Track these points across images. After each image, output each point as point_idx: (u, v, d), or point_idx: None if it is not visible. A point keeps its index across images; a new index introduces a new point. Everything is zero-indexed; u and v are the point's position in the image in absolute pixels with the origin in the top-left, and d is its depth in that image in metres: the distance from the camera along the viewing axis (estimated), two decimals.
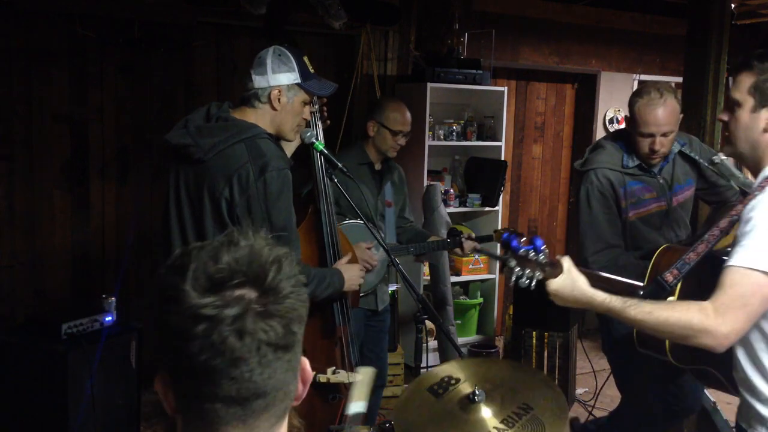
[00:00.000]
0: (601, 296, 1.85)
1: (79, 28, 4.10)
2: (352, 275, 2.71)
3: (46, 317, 3.53)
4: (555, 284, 1.88)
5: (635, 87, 6.24)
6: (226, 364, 0.86)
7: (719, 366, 1.93)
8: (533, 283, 1.89)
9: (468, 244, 3.57)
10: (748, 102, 1.86)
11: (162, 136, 2.44)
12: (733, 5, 3.49)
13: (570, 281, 1.88)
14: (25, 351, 3.35)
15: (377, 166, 3.58)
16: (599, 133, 6.06)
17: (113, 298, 3.58)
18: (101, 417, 3.40)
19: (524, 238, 1.95)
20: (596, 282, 1.95)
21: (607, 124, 6.15)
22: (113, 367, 3.47)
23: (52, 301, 4.20)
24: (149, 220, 4.36)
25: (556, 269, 1.89)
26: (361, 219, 2.86)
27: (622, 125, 6.22)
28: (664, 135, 2.82)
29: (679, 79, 4.02)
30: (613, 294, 1.86)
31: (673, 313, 1.74)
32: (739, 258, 1.72)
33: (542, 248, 1.90)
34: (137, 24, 4.25)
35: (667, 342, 1.97)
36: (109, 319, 3.52)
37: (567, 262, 1.90)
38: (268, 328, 0.87)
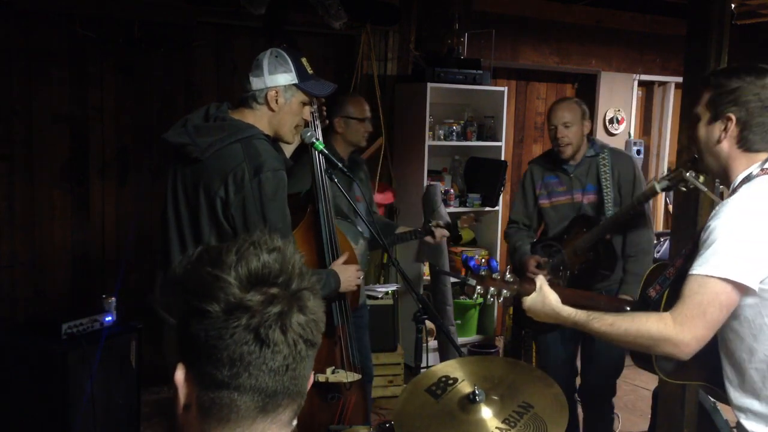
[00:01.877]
0: (567, 311, 1.97)
1: (79, 28, 4.10)
2: (348, 276, 2.69)
3: (46, 317, 3.53)
4: (528, 301, 2.04)
5: (635, 87, 6.26)
6: (268, 356, 0.91)
7: (715, 381, 1.94)
8: (500, 299, 2.08)
9: (439, 232, 3.59)
10: (705, 116, 1.92)
11: (160, 136, 2.45)
12: (733, 5, 3.48)
13: (541, 298, 2.01)
14: (25, 351, 3.35)
15: (345, 163, 3.56)
16: (599, 133, 6.06)
17: (113, 298, 3.58)
18: (101, 417, 3.40)
19: (483, 260, 2.15)
20: (585, 300, 2.05)
21: (607, 124, 6.15)
22: (113, 367, 3.47)
23: (52, 301, 4.20)
24: (149, 220, 4.36)
25: (529, 287, 2.03)
26: (362, 218, 2.85)
27: (623, 125, 6.23)
28: (565, 126, 3.41)
29: (679, 79, 4.03)
30: (596, 310, 1.95)
31: (633, 324, 1.80)
32: (697, 266, 1.75)
33: (496, 268, 2.07)
34: (137, 24, 4.25)
35: (653, 359, 2.01)
36: (109, 319, 3.52)
37: (540, 281, 2.04)
38: (306, 325, 0.94)
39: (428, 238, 3.62)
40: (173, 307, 0.98)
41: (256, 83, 2.42)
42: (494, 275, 2.07)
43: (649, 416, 3.90)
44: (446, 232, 3.63)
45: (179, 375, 0.95)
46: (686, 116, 3.37)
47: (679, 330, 1.72)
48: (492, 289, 2.06)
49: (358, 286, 2.81)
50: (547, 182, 3.59)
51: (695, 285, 1.74)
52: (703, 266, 1.74)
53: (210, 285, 0.91)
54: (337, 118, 3.50)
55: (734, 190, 1.86)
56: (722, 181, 1.97)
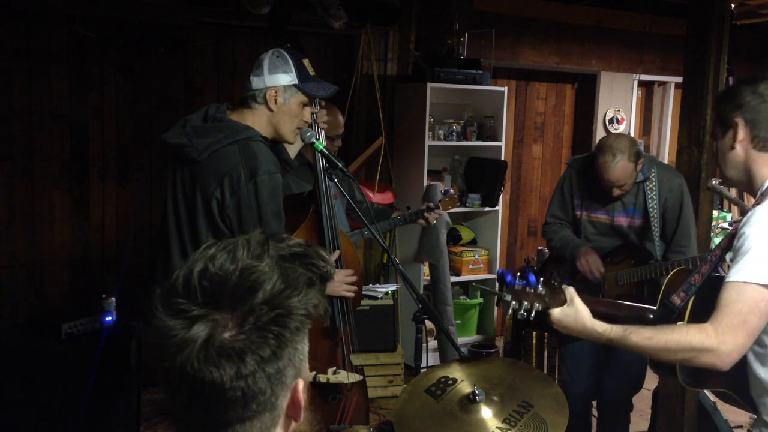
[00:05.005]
0: (601, 327, 1.87)
1: (79, 28, 4.10)
2: (336, 279, 2.65)
3: (46, 317, 3.54)
4: (558, 314, 1.93)
5: (635, 87, 6.25)
6: (185, 389, 0.85)
7: (735, 388, 1.93)
8: (533, 314, 1.94)
9: (432, 216, 3.54)
10: (717, 130, 1.95)
11: (160, 137, 2.45)
12: (733, 5, 3.48)
13: (573, 312, 1.91)
14: (25, 351, 3.35)
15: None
16: (599, 133, 6.06)
17: (113, 298, 3.58)
18: (101, 417, 3.40)
19: (518, 274, 2.01)
20: (605, 307, 1.97)
21: (607, 124, 6.15)
22: (113, 367, 3.47)
23: (52, 301, 4.20)
24: (149, 220, 4.36)
25: (558, 298, 1.94)
26: (365, 220, 2.85)
27: (623, 125, 6.23)
28: (620, 186, 3.22)
29: (679, 79, 4.02)
30: (621, 320, 1.89)
31: (673, 336, 1.75)
32: (734, 273, 1.72)
33: (535, 283, 1.97)
34: (137, 24, 4.25)
35: (677, 366, 1.98)
36: (109, 319, 3.52)
37: (570, 293, 1.94)
38: (229, 360, 0.84)
39: (420, 221, 3.59)
40: None
41: (256, 82, 2.42)
42: (528, 289, 1.96)
43: (649, 416, 3.90)
44: (440, 212, 3.60)
45: None
46: (686, 116, 3.38)
47: (721, 340, 1.68)
48: (525, 303, 1.95)
49: (354, 292, 2.75)
50: (587, 195, 3.42)
51: (734, 293, 1.70)
52: (740, 273, 1.71)
53: (150, 306, 0.87)
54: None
55: (763, 195, 1.84)
56: (747, 190, 1.95)
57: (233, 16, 4.37)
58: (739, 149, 1.88)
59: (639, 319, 1.99)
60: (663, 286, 2.23)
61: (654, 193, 3.29)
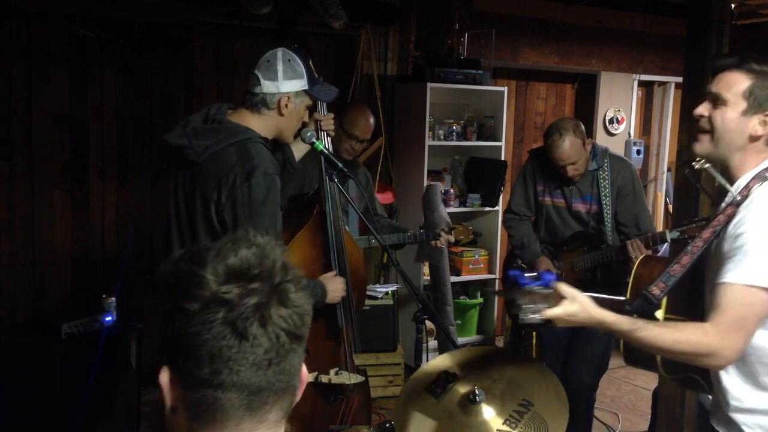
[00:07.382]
0: (610, 318, 1.79)
1: (79, 28, 4.10)
2: (335, 287, 2.67)
3: (46, 317, 3.53)
4: (567, 310, 1.78)
5: (635, 87, 6.25)
6: (247, 350, 0.88)
7: (702, 372, 1.94)
8: (540, 316, 1.79)
9: (444, 238, 3.58)
10: (739, 104, 1.79)
11: (161, 137, 2.45)
12: (733, 5, 3.48)
13: (582, 306, 1.79)
14: (25, 351, 3.35)
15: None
16: (599, 133, 6.06)
17: (113, 298, 3.58)
18: (101, 417, 3.40)
19: (534, 274, 1.80)
20: None
21: (607, 124, 6.15)
22: (113, 367, 3.47)
23: (52, 301, 4.20)
24: (149, 220, 4.36)
25: (554, 296, 1.80)
26: (362, 217, 2.85)
27: (623, 125, 6.23)
28: (574, 163, 3.42)
29: (679, 79, 4.03)
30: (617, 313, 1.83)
31: (680, 336, 1.73)
32: (735, 275, 1.69)
33: (550, 281, 1.79)
34: (137, 24, 4.25)
35: (658, 358, 1.97)
36: (109, 319, 3.52)
37: (567, 290, 1.81)
38: (288, 317, 0.91)
39: (434, 243, 3.63)
40: (157, 308, 0.96)
41: (268, 87, 2.40)
42: (536, 288, 1.79)
43: (649, 416, 3.90)
44: (452, 238, 3.64)
45: (164, 377, 0.93)
46: (686, 116, 3.38)
47: (724, 345, 1.68)
48: (540, 305, 1.78)
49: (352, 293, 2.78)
50: (548, 182, 3.63)
51: (734, 296, 1.68)
52: (741, 275, 1.68)
53: (187, 282, 0.90)
54: (336, 121, 3.49)
55: (747, 188, 1.79)
56: (725, 171, 1.88)
57: (233, 16, 4.37)
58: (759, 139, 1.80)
59: (617, 309, 1.96)
60: (632, 275, 2.22)
61: (607, 181, 3.50)
